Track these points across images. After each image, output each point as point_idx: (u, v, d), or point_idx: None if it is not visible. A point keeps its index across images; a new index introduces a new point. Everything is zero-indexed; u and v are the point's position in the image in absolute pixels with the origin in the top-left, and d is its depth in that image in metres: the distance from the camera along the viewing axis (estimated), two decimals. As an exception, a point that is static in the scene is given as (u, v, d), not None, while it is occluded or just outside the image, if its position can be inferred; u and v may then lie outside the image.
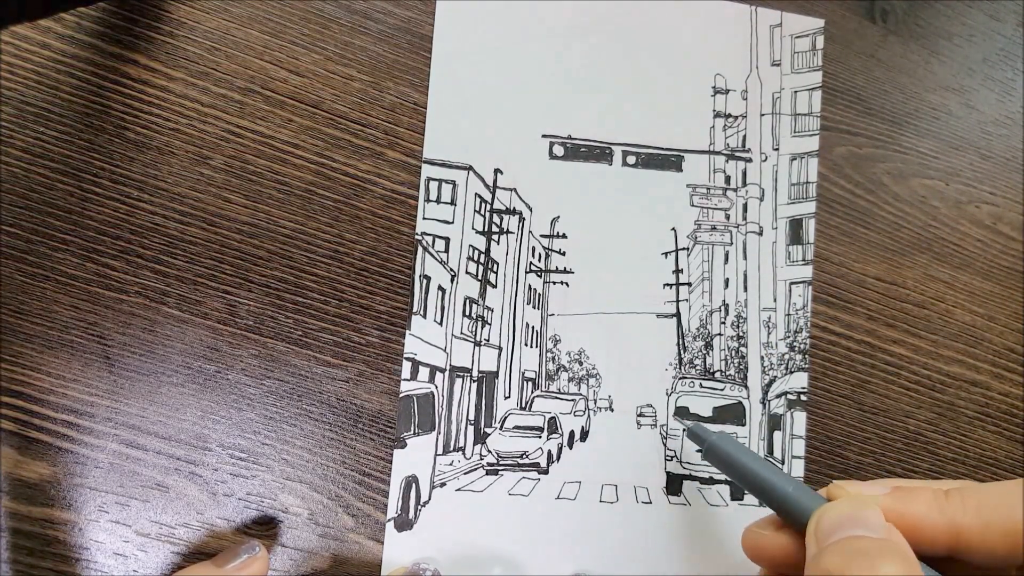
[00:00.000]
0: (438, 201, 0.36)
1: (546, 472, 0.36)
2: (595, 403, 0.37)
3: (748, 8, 0.40)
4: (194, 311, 0.33)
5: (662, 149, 0.38)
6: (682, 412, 0.37)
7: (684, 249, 0.38)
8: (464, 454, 0.35)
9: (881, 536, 0.23)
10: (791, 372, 0.38)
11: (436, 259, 0.36)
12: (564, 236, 0.37)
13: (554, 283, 0.37)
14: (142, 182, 0.33)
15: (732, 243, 0.39)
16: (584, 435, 0.36)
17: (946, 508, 0.24)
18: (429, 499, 0.34)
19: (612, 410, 0.37)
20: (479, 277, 0.36)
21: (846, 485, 0.26)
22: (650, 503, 0.36)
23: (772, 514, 0.28)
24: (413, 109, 0.36)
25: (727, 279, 0.39)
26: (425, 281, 0.35)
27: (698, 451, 0.32)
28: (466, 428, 0.35)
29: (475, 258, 0.36)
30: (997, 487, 0.24)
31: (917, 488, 0.25)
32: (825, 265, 0.39)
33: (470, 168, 0.36)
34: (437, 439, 0.35)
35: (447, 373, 0.35)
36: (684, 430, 0.33)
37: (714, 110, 0.39)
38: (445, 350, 0.35)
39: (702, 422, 0.37)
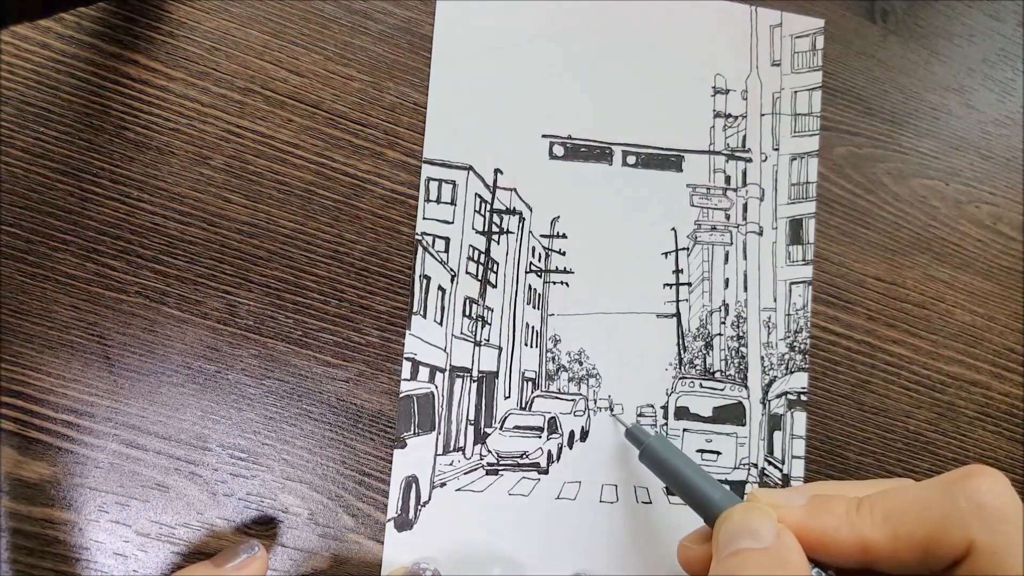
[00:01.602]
0: (438, 201, 0.36)
1: (546, 472, 0.36)
2: (595, 403, 0.37)
3: (748, 8, 0.40)
4: (194, 311, 0.33)
5: (662, 149, 0.38)
6: (682, 412, 0.37)
7: (684, 249, 0.38)
8: (464, 454, 0.35)
9: (766, 545, 0.23)
10: (791, 372, 0.38)
11: (436, 259, 0.36)
12: (564, 236, 0.37)
13: (554, 283, 0.37)
14: (142, 182, 0.33)
15: (732, 243, 0.39)
16: (584, 435, 0.36)
17: (855, 521, 0.24)
18: (429, 499, 0.34)
19: (612, 410, 0.37)
20: (479, 277, 0.36)
21: (762, 494, 0.26)
22: (650, 503, 0.36)
23: (701, 526, 0.29)
24: (413, 109, 0.36)
25: (727, 279, 0.39)
26: (425, 281, 0.35)
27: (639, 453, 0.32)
28: (466, 428, 0.35)
29: (475, 258, 0.36)
30: (907, 491, 0.24)
31: (832, 498, 0.25)
32: (825, 265, 0.39)
33: (470, 168, 0.36)
34: (437, 439, 0.35)
35: (447, 373, 0.35)
36: (624, 430, 0.34)
37: (714, 110, 0.39)
38: (445, 350, 0.35)
39: (701, 421, 0.37)
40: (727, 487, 0.29)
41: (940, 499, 0.23)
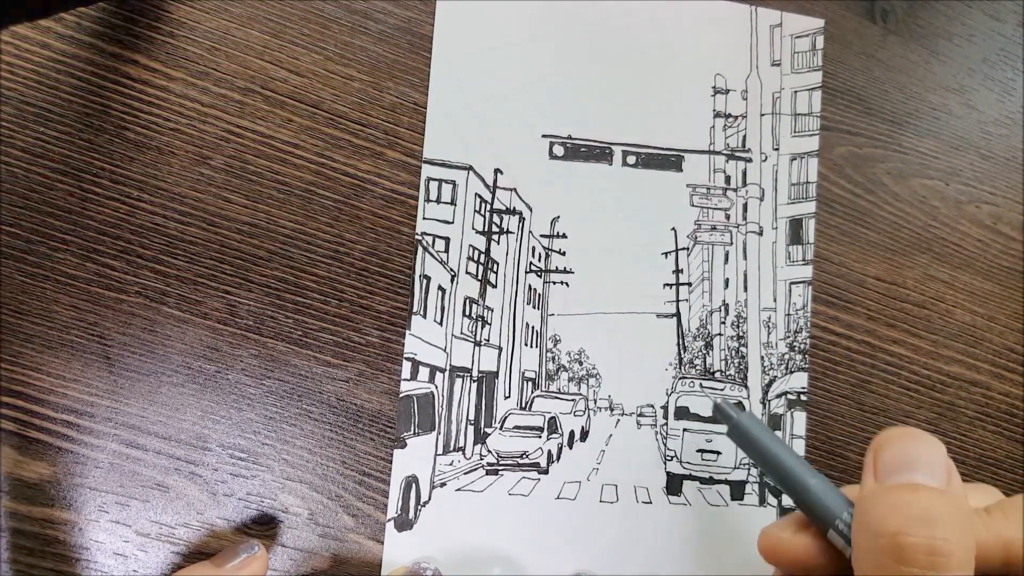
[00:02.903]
0: (438, 201, 0.36)
1: (546, 472, 0.36)
2: (595, 403, 0.37)
3: (748, 8, 0.40)
4: (194, 311, 0.33)
5: (662, 149, 0.38)
6: (682, 412, 0.37)
7: (684, 249, 0.38)
8: (464, 454, 0.35)
9: (941, 486, 0.22)
10: (791, 372, 0.38)
11: (436, 259, 0.36)
12: (564, 236, 0.37)
13: (554, 283, 0.37)
14: (142, 182, 0.33)
15: (732, 243, 0.39)
16: (584, 435, 0.36)
17: (991, 524, 0.23)
18: (429, 499, 0.34)
19: (612, 410, 0.37)
20: (479, 277, 0.36)
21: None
22: (650, 503, 0.36)
23: (791, 516, 0.27)
24: (413, 109, 0.36)
25: (727, 279, 0.39)
26: (425, 281, 0.35)
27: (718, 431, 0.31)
28: (466, 428, 0.35)
29: (475, 258, 0.36)
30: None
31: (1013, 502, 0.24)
32: (825, 265, 0.39)
33: (470, 168, 0.36)
34: (437, 439, 0.35)
35: (447, 373, 0.35)
36: (713, 407, 0.32)
37: (714, 110, 0.39)
38: (445, 350, 0.35)
39: (701, 421, 0.37)
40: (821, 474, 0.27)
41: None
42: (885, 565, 0.21)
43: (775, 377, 0.38)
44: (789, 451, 0.27)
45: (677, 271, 0.38)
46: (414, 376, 0.35)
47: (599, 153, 0.38)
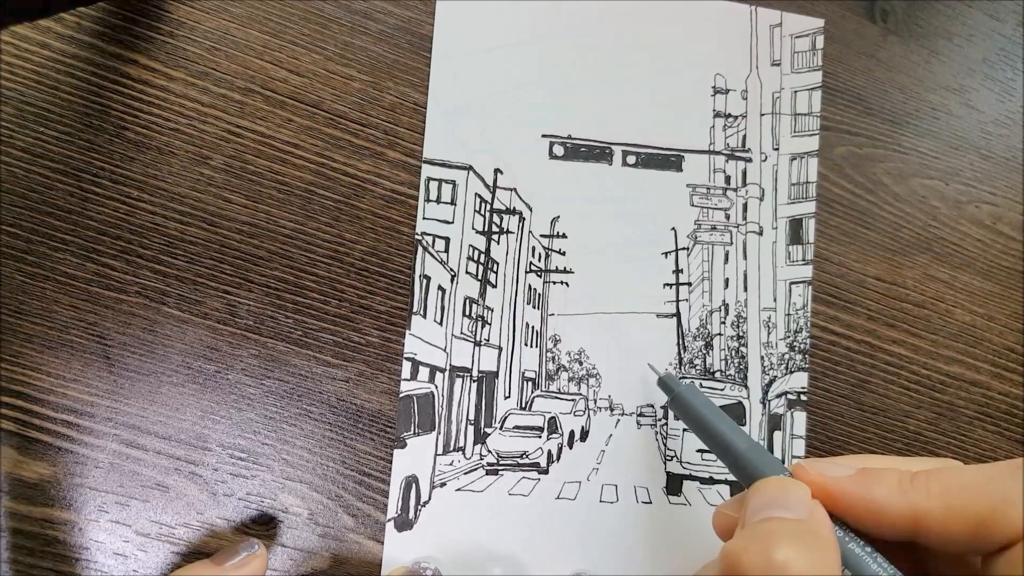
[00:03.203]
0: (438, 201, 0.36)
1: (546, 472, 0.36)
2: (595, 403, 0.37)
3: (748, 8, 0.40)
4: (194, 311, 0.33)
5: (662, 149, 0.38)
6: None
7: (684, 249, 0.38)
8: (464, 454, 0.35)
9: (798, 517, 0.23)
10: (791, 372, 0.38)
11: (436, 259, 0.36)
12: (564, 236, 0.37)
13: (554, 283, 0.37)
14: (142, 182, 0.33)
15: (732, 243, 0.39)
16: (584, 435, 0.36)
17: (909, 492, 0.24)
18: (429, 499, 0.34)
19: (612, 410, 0.37)
20: (479, 277, 0.36)
21: (809, 464, 0.26)
22: (650, 503, 0.36)
23: (740, 493, 0.28)
24: (413, 109, 0.36)
25: (727, 279, 0.39)
26: (425, 281, 0.35)
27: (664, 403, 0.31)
28: (466, 428, 0.35)
29: (475, 258, 0.36)
30: (968, 472, 0.24)
31: (883, 471, 0.25)
32: (825, 265, 0.39)
33: (470, 168, 0.36)
34: (437, 439, 0.35)
35: (447, 373, 0.35)
36: (657, 379, 0.33)
37: (714, 110, 0.39)
38: (445, 350, 0.35)
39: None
40: (762, 444, 0.28)
41: (1002, 480, 0.23)
42: None
43: (775, 377, 0.38)
44: (728, 422, 0.28)
45: (677, 271, 0.38)
46: (414, 376, 0.35)
47: (599, 153, 0.38)
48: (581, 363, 0.37)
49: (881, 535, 0.24)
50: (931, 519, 0.23)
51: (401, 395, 0.34)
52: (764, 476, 0.26)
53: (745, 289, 0.38)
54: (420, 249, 0.35)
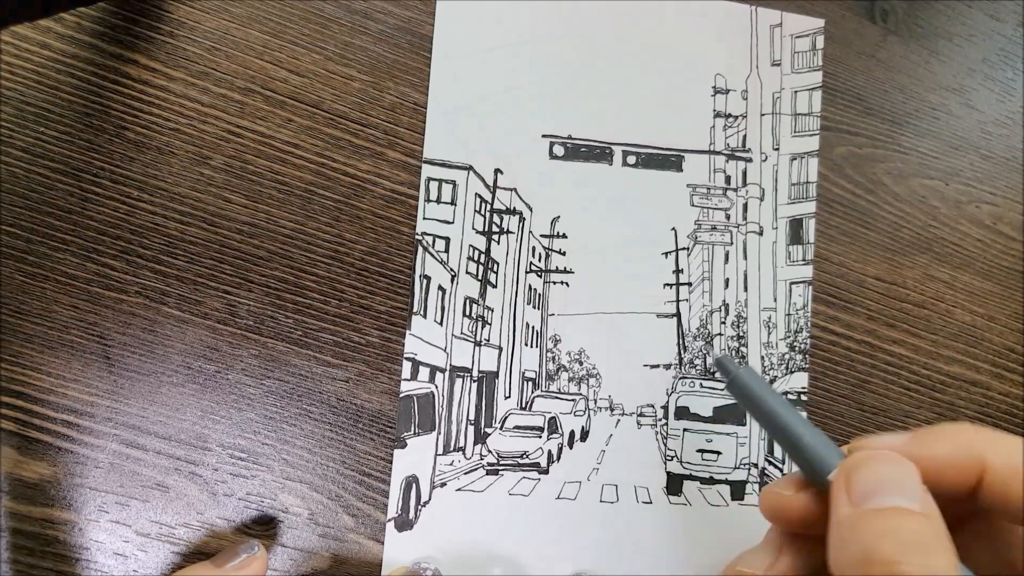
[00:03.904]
0: (438, 201, 0.36)
1: (546, 472, 0.36)
2: (595, 403, 0.37)
3: (748, 8, 0.40)
4: (194, 311, 0.33)
5: (662, 149, 0.38)
6: (682, 412, 0.37)
7: (684, 249, 0.38)
8: (464, 454, 0.35)
9: (919, 509, 0.22)
10: (791, 372, 0.38)
11: (436, 259, 0.36)
12: (564, 236, 0.37)
13: (554, 283, 0.37)
14: (142, 182, 0.33)
15: (732, 243, 0.39)
16: (584, 435, 0.36)
17: (975, 444, 0.23)
18: (429, 499, 0.34)
19: (612, 410, 0.37)
20: (479, 277, 0.36)
21: (866, 441, 0.25)
22: (650, 503, 0.36)
23: (792, 475, 0.27)
24: (413, 109, 0.36)
25: (727, 279, 0.39)
26: (425, 281, 0.35)
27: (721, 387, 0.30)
28: (466, 428, 0.35)
29: (475, 258, 0.36)
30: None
31: (937, 428, 0.25)
32: (825, 265, 0.39)
33: (470, 168, 0.36)
34: (437, 439, 0.35)
35: (447, 373, 0.35)
36: (713, 361, 0.32)
37: (714, 110, 0.39)
38: (445, 350, 0.35)
39: (701, 421, 0.37)
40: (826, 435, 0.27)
41: None
42: None
43: (775, 377, 0.38)
44: (787, 406, 0.27)
45: (677, 271, 0.38)
46: (414, 376, 0.35)
47: (599, 153, 0.38)
48: (581, 363, 0.37)
49: (947, 492, 0.23)
50: (996, 478, 0.23)
51: (401, 395, 0.34)
52: (830, 460, 0.25)
53: (745, 289, 0.38)
54: (420, 249, 0.35)
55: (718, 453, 0.37)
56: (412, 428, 0.35)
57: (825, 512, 0.24)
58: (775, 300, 0.38)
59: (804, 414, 0.28)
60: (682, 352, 0.37)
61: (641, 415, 0.37)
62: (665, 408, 0.37)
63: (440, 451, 0.35)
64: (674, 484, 0.36)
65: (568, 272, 0.37)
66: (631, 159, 0.38)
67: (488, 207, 0.37)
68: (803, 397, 0.38)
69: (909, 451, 0.24)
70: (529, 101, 0.37)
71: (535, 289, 0.37)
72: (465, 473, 0.35)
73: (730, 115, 0.39)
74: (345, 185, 0.35)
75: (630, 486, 0.36)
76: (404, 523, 0.34)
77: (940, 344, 0.40)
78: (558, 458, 0.36)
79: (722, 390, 0.38)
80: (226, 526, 0.33)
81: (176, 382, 0.33)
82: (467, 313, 0.36)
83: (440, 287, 0.36)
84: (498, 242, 0.37)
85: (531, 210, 0.37)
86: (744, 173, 0.39)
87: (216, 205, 0.34)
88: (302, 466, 0.33)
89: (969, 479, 0.24)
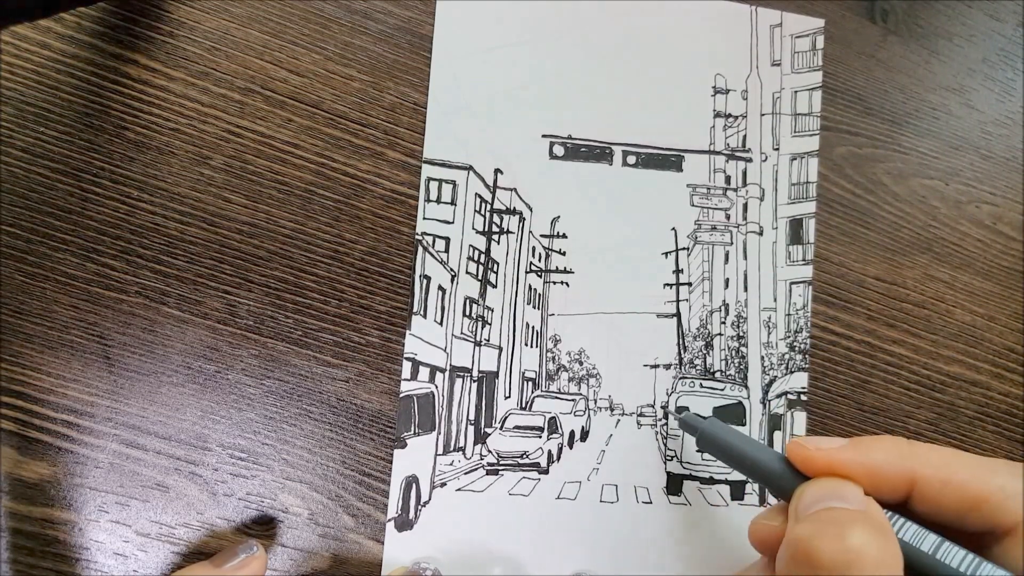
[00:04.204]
0: (438, 201, 0.36)
1: (546, 472, 0.36)
2: (595, 403, 0.37)
3: (748, 8, 0.40)
4: (194, 311, 0.33)
5: (662, 149, 0.38)
6: (682, 412, 0.37)
7: (684, 249, 0.38)
8: (464, 454, 0.35)
9: (859, 508, 0.24)
10: (791, 372, 0.38)
11: (436, 259, 0.36)
12: (564, 236, 0.37)
13: (554, 283, 0.37)
14: (142, 182, 0.33)
15: (732, 243, 0.39)
16: (584, 435, 0.36)
17: (908, 457, 0.25)
18: (429, 499, 0.34)
19: (612, 410, 0.37)
20: (479, 277, 0.36)
21: (805, 440, 0.27)
22: (650, 503, 0.36)
23: (778, 504, 0.28)
24: (413, 109, 0.36)
25: (727, 279, 0.39)
26: (425, 281, 0.35)
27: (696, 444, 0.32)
28: (466, 428, 0.35)
29: (475, 258, 0.36)
30: (969, 456, 0.25)
31: (879, 437, 0.26)
32: (825, 265, 0.39)
33: (470, 168, 0.36)
34: (437, 439, 0.35)
35: (447, 373, 0.35)
36: (677, 421, 0.34)
37: (714, 110, 0.39)
38: (445, 350, 0.35)
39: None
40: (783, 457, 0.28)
41: (1003, 471, 0.24)
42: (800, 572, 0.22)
43: (775, 377, 0.38)
44: (756, 444, 0.29)
45: (677, 271, 0.38)
46: (414, 376, 0.35)
47: (599, 153, 0.38)
48: (581, 363, 0.37)
49: (878, 500, 0.25)
50: (927, 487, 0.24)
51: (401, 395, 0.34)
52: (801, 484, 0.26)
53: (745, 289, 0.38)
54: (420, 249, 0.35)
55: (718, 453, 0.37)
56: (412, 428, 0.35)
57: None
58: (775, 300, 0.38)
59: (776, 448, 0.29)
60: (682, 352, 0.37)
61: (641, 415, 0.37)
62: (665, 408, 0.37)
63: (440, 451, 0.35)
64: (674, 484, 0.36)
65: (568, 272, 0.37)
66: (631, 159, 0.38)
67: (488, 207, 0.37)
68: (803, 397, 0.38)
69: (845, 456, 0.25)
70: (529, 101, 0.37)
71: (535, 289, 0.37)
72: (465, 473, 0.35)
73: (730, 115, 0.39)
74: (345, 185, 0.35)
75: (630, 486, 0.36)
76: (404, 523, 0.34)
77: (940, 344, 0.40)
78: (558, 458, 0.36)
79: (721, 390, 0.38)
80: (226, 526, 0.33)
81: (176, 382, 0.33)
82: (467, 313, 0.36)
83: (440, 287, 0.36)
84: (498, 242, 0.37)
85: (531, 210, 0.37)
86: (744, 173, 0.39)
87: (216, 205, 0.34)
88: (302, 466, 0.33)
89: (901, 489, 0.25)
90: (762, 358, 0.38)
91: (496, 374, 0.36)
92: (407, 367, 0.35)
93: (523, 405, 0.36)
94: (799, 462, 0.27)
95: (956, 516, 0.24)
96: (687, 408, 0.37)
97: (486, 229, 0.37)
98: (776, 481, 0.27)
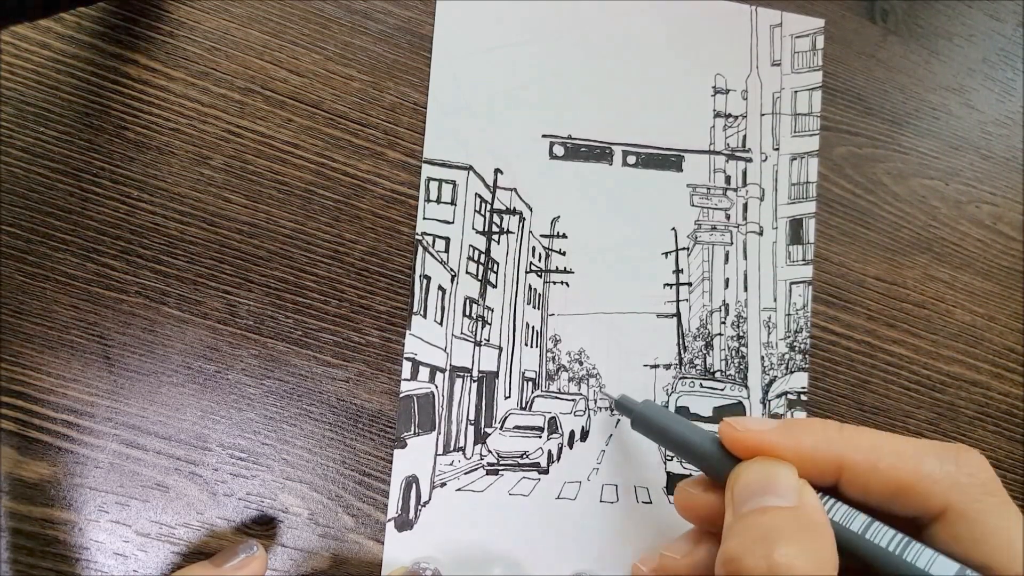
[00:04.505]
0: (438, 201, 0.36)
1: (546, 472, 0.36)
2: (595, 403, 0.37)
3: (748, 8, 0.40)
4: (194, 311, 0.33)
5: (662, 149, 0.38)
6: (682, 412, 0.37)
7: (684, 249, 0.38)
8: (464, 454, 0.35)
9: (790, 504, 0.23)
10: (791, 372, 0.38)
11: (436, 259, 0.36)
12: (564, 236, 0.37)
13: (554, 283, 0.37)
14: (142, 182, 0.33)
15: (732, 243, 0.39)
16: (584, 435, 0.36)
17: (836, 441, 0.25)
18: (429, 499, 0.34)
19: (612, 410, 0.37)
20: (479, 277, 0.36)
21: (735, 422, 0.27)
22: (650, 503, 0.36)
23: (702, 474, 0.28)
24: (413, 109, 0.36)
25: (727, 279, 0.39)
26: (425, 281, 0.35)
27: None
28: (466, 428, 0.35)
29: (475, 258, 0.36)
30: (898, 439, 0.25)
31: (809, 420, 0.26)
32: (825, 265, 0.39)
33: (470, 168, 0.36)
34: (437, 439, 0.35)
35: (447, 373, 0.35)
36: (611, 402, 0.34)
37: (714, 110, 0.39)
38: (445, 350, 0.35)
39: (701, 421, 0.37)
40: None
41: (930, 455, 0.24)
42: None
43: (775, 377, 0.38)
44: (690, 426, 0.29)
45: (677, 271, 0.38)
46: (414, 376, 0.35)
47: (599, 153, 0.38)
48: (581, 363, 0.37)
49: (809, 482, 0.25)
50: (855, 472, 0.24)
51: (401, 395, 0.34)
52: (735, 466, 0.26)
53: (745, 289, 0.38)
54: (420, 249, 0.35)
55: (718, 453, 0.37)
56: (412, 428, 0.35)
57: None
58: (775, 300, 0.38)
59: (707, 427, 0.29)
60: (682, 352, 0.37)
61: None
62: (665, 408, 0.37)
63: (440, 451, 0.35)
64: (674, 484, 0.36)
65: (568, 272, 0.37)
66: (631, 159, 0.38)
67: (488, 207, 0.37)
68: (803, 397, 0.38)
69: (774, 441, 0.26)
70: (529, 101, 0.37)
71: (535, 289, 0.37)
72: (465, 473, 0.35)
73: (730, 115, 0.39)
74: (345, 185, 0.35)
75: (630, 486, 0.36)
76: (404, 523, 0.34)
77: (940, 344, 0.40)
78: (558, 458, 0.36)
79: (721, 390, 0.38)
80: (226, 526, 0.33)
81: (176, 382, 0.33)
82: (467, 313, 0.36)
83: (440, 287, 0.36)
84: (498, 242, 0.37)
85: (531, 210, 0.37)
86: (744, 173, 0.39)
87: (216, 205, 0.34)
88: (302, 466, 0.33)
89: (830, 473, 0.25)
90: (762, 358, 0.38)
91: (496, 374, 0.36)
92: (407, 367, 0.35)
93: (523, 405, 0.36)
94: (730, 443, 0.27)
95: (884, 501, 0.24)
96: (687, 408, 0.37)
97: (486, 229, 0.37)
98: (711, 463, 0.27)
